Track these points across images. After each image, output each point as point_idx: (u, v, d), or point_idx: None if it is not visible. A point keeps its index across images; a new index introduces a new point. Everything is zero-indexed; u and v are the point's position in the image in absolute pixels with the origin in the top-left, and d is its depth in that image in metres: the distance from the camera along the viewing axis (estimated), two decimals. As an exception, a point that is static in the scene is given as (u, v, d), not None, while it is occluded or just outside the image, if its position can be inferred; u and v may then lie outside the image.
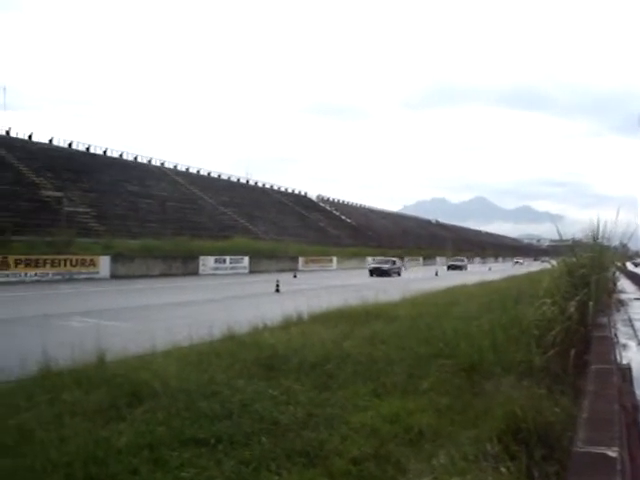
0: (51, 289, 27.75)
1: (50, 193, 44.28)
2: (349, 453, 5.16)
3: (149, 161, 74.65)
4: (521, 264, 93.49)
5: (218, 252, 47.96)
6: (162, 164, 76.20)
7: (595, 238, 9.33)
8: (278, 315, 13.14)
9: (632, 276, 18.69)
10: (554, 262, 11.00)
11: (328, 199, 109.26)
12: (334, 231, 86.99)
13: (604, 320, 7.50)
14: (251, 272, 49.85)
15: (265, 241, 59.62)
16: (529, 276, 27.91)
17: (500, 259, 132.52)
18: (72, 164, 57.38)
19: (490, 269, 67.66)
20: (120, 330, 13.18)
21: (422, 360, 8.58)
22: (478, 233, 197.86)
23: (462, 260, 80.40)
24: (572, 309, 7.33)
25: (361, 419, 6.08)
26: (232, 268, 48.85)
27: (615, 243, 10.51)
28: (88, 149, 67.13)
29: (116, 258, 38.51)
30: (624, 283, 11.04)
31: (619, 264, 10.37)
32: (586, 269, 8.33)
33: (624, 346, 6.37)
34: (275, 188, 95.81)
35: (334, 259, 65.55)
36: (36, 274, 33.08)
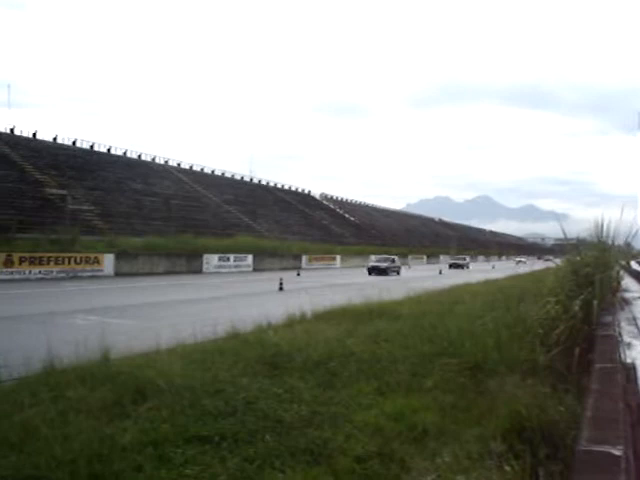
0: (55, 287, 27.80)
1: (54, 191, 44.32)
2: (353, 451, 5.17)
3: (153, 159, 74.72)
4: (524, 263, 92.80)
5: (222, 250, 48.01)
6: (166, 162, 76.27)
7: (599, 237, 9.31)
8: (282, 313, 13.16)
9: (636, 275, 18.65)
10: (558, 261, 10.99)
11: (332, 197, 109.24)
12: (338, 229, 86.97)
13: (608, 319, 7.47)
14: (255, 270, 49.89)
15: (269, 239, 59.62)
16: (533, 275, 27.89)
17: (504, 258, 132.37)
18: (76, 162, 57.51)
19: (494, 267, 67.65)
20: (124, 328, 13.20)
21: (426, 359, 8.59)
22: (482, 232, 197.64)
23: (464, 259, 79.69)
24: (576, 308, 7.32)
25: (365, 417, 6.09)
26: (236, 266, 48.91)
27: (620, 242, 10.48)
28: (92, 147, 67.22)
29: (120, 256, 38.56)
30: (628, 282, 11.02)
31: (623, 263, 10.34)
32: (590, 268, 8.32)
33: (628, 345, 6.34)
34: (279, 186, 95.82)
35: (338, 257, 65.55)
36: (40, 272, 33.14)
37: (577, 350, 6.51)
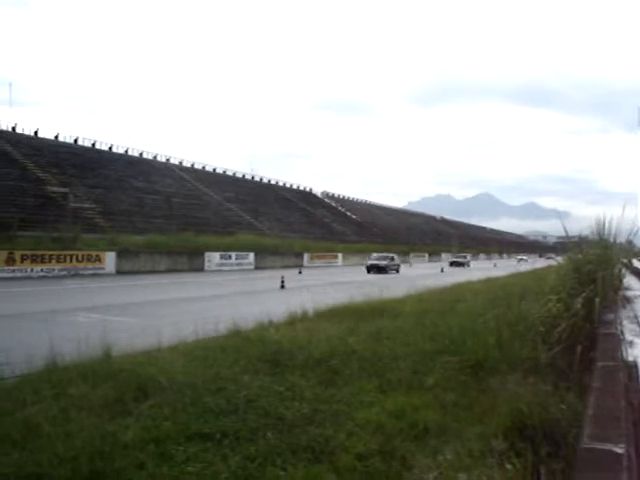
0: (57, 284, 27.83)
1: (56, 189, 44.35)
2: (355, 449, 5.18)
3: (154, 157, 74.75)
4: (525, 261, 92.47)
5: (223, 248, 48.05)
6: (167, 160, 76.29)
7: (601, 235, 9.30)
8: (283, 311, 13.17)
9: (638, 273, 18.60)
10: (559, 259, 10.96)
11: (333, 195, 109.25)
12: (339, 227, 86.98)
13: (610, 317, 7.46)
14: (256, 268, 49.92)
15: (270, 237, 59.64)
16: (534, 273, 27.89)
17: (505, 256, 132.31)
18: (78, 160, 57.53)
19: (495, 265, 67.59)
20: (126, 325, 13.21)
21: (427, 356, 8.60)
22: (483, 229, 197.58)
23: (464, 257, 79.25)
24: (578, 305, 7.31)
25: (366, 415, 6.09)
26: (237, 264, 48.93)
27: (621, 240, 10.47)
28: (94, 145, 67.27)
29: (122, 254, 38.60)
30: (630, 280, 11.01)
31: (625, 261, 10.33)
32: (593, 265, 8.31)
33: (630, 343, 6.33)
34: (280, 184, 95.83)
35: (339, 255, 65.57)
36: (42, 270, 33.17)
37: (579, 348, 6.50)
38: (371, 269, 47.55)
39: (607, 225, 9.30)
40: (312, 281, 32.84)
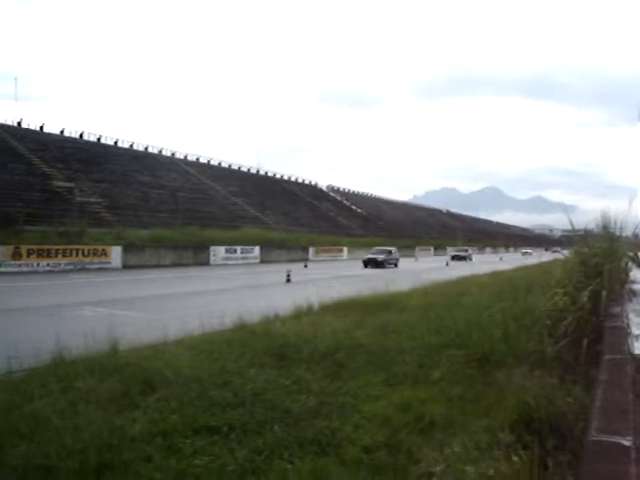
0: (63, 279, 27.92)
1: (61, 183, 44.50)
2: (361, 441, 5.19)
3: (160, 151, 74.86)
4: (530, 254, 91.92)
5: (229, 242, 48.10)
6: (173, 154, 76.39)
7: (608, 228, 9.27)
8: (289, 305, 13.18)
9: (645, 266, 18.49)
10: (565, 252, 10.93)
11: (339, 189, 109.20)
12: (345, 221, 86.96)
13: (617, 310, 7.45)
14: (262, 262, 49.97)
15: (276, 231, 59.68)
16: (540, 266, 27.82)
17: (511, 249, 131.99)
18: (83, 155, 57.66)
19: (501, 259, 67.40)
20: (132, 319, 13.25)
21: (433, 350, 8.59)
22: (489, 223, 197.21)
23: (466, 250, 77.56)
24: (585, 299, 7.29)
25: (373, 408, 6.10)
26: (243, 258, 48.98)
27: (628, 233, 10.43)
28: (99, 139, 67.44)
29: (127, 248, 38.69)
30: (636, 273, 10.95)
31: (631, 254, 10.28)
32: (599, 259, 8.28)
33: (637, 337, 6.32)
34: (286, 178, 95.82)
35: (345, 249, 65.57)
36: (48, 264, 33.29)
37: (585, 341, 6.49)
38: (368, 263, 46.34)
39: (613, 218, 9.28)
40: (318, 275, 32.86)
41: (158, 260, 40.88)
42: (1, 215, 35.22)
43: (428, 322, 10.75)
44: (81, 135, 65.52)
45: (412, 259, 66.46)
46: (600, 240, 9.10)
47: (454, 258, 67.83)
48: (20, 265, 31.80)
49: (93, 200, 45.68)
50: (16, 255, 31.83)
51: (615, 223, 9.27)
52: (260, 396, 6.39)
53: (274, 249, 53.76)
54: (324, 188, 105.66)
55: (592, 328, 6.95)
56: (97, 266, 35.60)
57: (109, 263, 36.83)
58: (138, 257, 39.44)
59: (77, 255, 35.07)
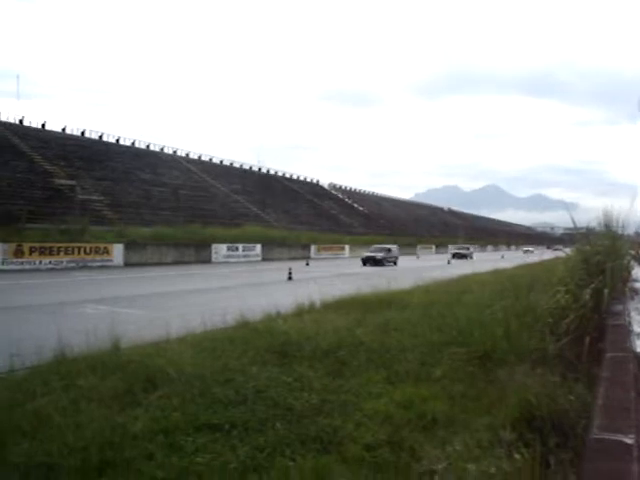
0: (65, 277, 27.95)
1: (63, 181, 44.50)
2: (363, 439, 5.18)
3: (161, 149, 74.88)
4: (531, 252, 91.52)
5: (230, 240, 48.15)
6: (174, 152, 76.40)
7: (609, 226, 9.26)
8: (291, 303, 13.18)
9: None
10: (567, 250, 10.92)
11: (340, 187, 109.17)
12: (346, 219, 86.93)
13: (619, 308, 7.44)
14: (263, 260, 50.01)
15: (277, 229, 59.70)
16: (542, 264, 27.81)
17: (513, 247, 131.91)
18: (85, 152, 57.68)
19: (503, 257, 67.33)
20: (134, 317, 13.27)
21: (435, 348, 8.60)
22: (491, 221, 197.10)
23: (467, 248, 75.89)
24: (587, 297, 7.28)
25: (375, 406, 6.10)
26: (245, 256, 49.02)
27: (630, 231, 10.42)
28: (101, 137, 67.46)
29: (129, 246, 38.75)
30: (638, 272, 10.94)
31: (634, 252, 10.26)
32: (601, 257, 8.27)
33: (639, 335, 6.31)
34: (287, 176, 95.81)
35: (346, 247, 65.59)
36: (50, 262, 33.34)
37: (587, 339, 6.48)
38: (367, 261, 45.89)
39: (615, 216, 9.26)
40: (319, 273, 32.87)
41: (160, 258, 40.93)
42: (3, 213, 35.27)
43: (430, 320, 10.76)
44: (83, 133, 65.56)
45: (414, 257, 66.47)
46: (602, 238, 9.08)
47: (455, 256, 66.21)
48: (22, 263, 31.85)
49: (95, 198, 45.69)
50: (18, 253, 31.87)
51: (617, 221, 9.26)
52: (262, 394, 6.39)
53: (275, 247, 53.81)
54: (326, 186, 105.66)
55: (594, 326, 6.94)
56: (99, 264, 35.65)
57: (111, 261, 36.88)
58: (140, 255, 39.49)
59: (79, 253, 35.11)
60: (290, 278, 27.13)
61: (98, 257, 36.21)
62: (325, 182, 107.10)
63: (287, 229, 61.00)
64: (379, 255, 47.15)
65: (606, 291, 7.33)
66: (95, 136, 66.88)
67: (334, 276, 30.11)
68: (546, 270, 16.19)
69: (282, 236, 56.62)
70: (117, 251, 37.55)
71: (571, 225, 10.66)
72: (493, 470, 4.07)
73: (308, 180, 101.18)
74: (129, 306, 15.88)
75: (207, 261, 44.47)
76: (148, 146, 73.33)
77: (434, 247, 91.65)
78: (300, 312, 12.31)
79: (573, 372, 6.12)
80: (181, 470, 4.58)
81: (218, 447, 5.01)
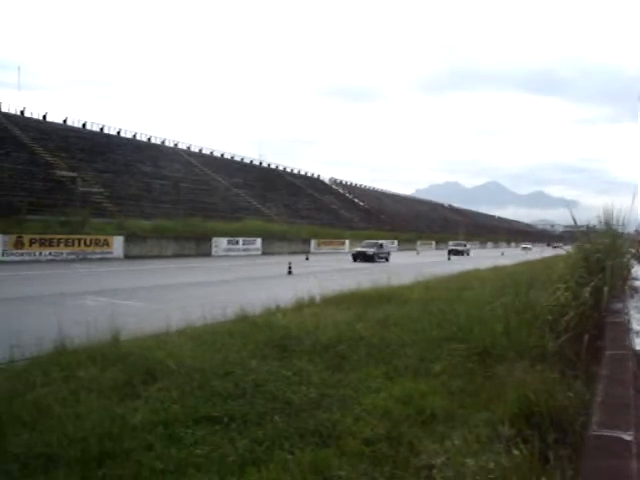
0: (65, 268, 27.96)
1: (64, 173, 44.47)
2: (362, 434, 5.20)
3: (163, 142, 74.79)
4: (530, 249, 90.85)
5: (231, 234, 48.15)
6: (176, 145, 76.31)
7: (610, 224, 9.27)
8: (291, 297, 13.21)
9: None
10: (568, 247, 10.94)
11: (341, 182, 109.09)
12: (347, 214, 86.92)
13: (618, 306, 7.46)
14: (264, 254, 50.02)
15: (278, 223, 59.69)
16: (542, 261, 27.83)
17: (513, 244, 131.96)
18: (86, 144, 57.60)
19: (503, 254, 67.32)
20: (134, 309, 13.30)
21: (435, 343, 8.62)
22: (491, 218, 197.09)
23: (464, 244, 73.23)
24: (586, 294, 7.29)
25: (374, 400, 6.11)
26: (245, 250, 49.03)
27: (630, 229, 10.43)
28: (102, 129, 67.36)
29: (129, 238, 38.75)
30: (638, 270, 10.96)
31: (633, 251, 10.27)
32: (601, 255, 8.28)
33: (638, 333, 6.32)
34: (288, 170, 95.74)
35: (347, 242, 65.60)
36: (50, 253, 33.33)
37: (586, 337, 6.49)
38: (357, 257, 44.11)
39: (616, 215, 9.27)
40: (319, 267, 32.87)
41: (160, 251, 40.94)
42: (4, 204, 35.26)
43: (430, 316, 10.78)
44: (84, 125, 65.46)
45: (414, 253, 66.48)
46: (602, 236, 9.09)
47: (451, 252, 62.69)
48: (22, 254, 31.84)
49: (95, 190, 45.66)
50: (18, 244, 31.86)
51: (618, 219, 9.27)
52: (261, 387, 6.41)
53: (276, 241, 53.82)
54: (326, 181, 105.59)
55: (594, 324, 6.96)
56: (99, 256, 35.65)
57: (111, 253, 36.88)
58: (140, 247, 39.50)
59: (79, 245, 35.11)
60: (290, 272, 27.15)
61: (98, 249, 36.22)
62: (326, 177, 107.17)
63: (287, 223, 60.97)
64: (370, 251, 45.10)
65: (606, 289, 7.34)
66: (96, 128, 66.79)
67: (334, 271, 30.12)
68: (546, 267, 16.21)
69: (282, 230, 56.62)
70: (117, 243, 37.55)
71: (571, 223, 10.67)
72: (492, 465, 4.08)
73: (309, 174, 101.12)
74: (129, 298, 15.89)
75: (207, 254, 44.48)
76: (149, 139, 73.26)
77: (434, 243, 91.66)
78: (300, 306, 12.34)
79: (572, 369, 6.13)
80: (180, 462, 4.60)
81: (217, 439, 5.02)
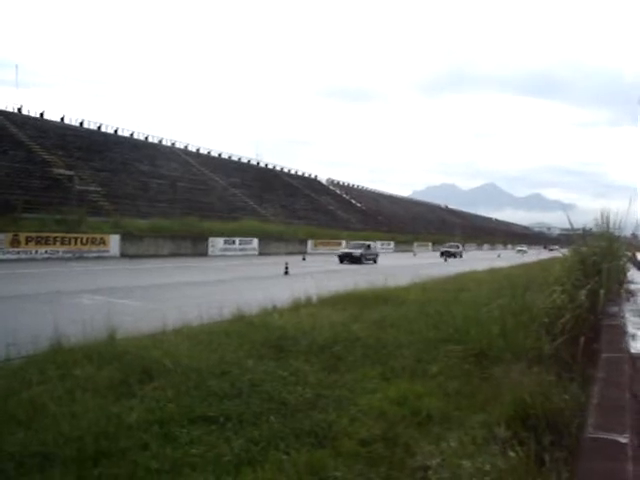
0: (61, 267, 27.94)
1: (61, 171, 44.42)
2: (358, 434, 5.19)
3: (160, 141, 74.74)
4: (525, 252, 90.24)
5: (227, 233, 48.16)
6: (173, 144, 76.26)
7: (606, 227, 9.29)
8: (287, 297, 13.19)
9: (642, 266, 18.58)
10: (564, 250, 10.97)
11: (338, 183, 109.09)
12: (344, 215, 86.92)
13: (614, 309, 7.48)
14: (260, 254, 50.02)
15: (275, 223, 59.69)
16: (539, 264, 27.87)
17: (510, 246, 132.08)
18: (83, 143, 57.54)
19: (499, 256, 67.37)
20: (130, 308, 13.27)
21: (431, 345, 8.62)
22: (488, 220, 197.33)
23: (457, 246, 70.41)
24: (583, 297, 7.30)
25: (369, 401, 6.11)
26: (241, 250, 49.03)
27: (626, 233, 10.45)
28: (99, 128, 67.29)
29: (126, 237, 38.75)
30: (634, 273, 11.00)
31: (629, 254, 10.30)
32: (597, 257, 8.29)
33: (633, 336, 6.34)
34: (285, 170, 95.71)
35: (343, 243, 65.59)
36: (46, 252, 33.31)
37: (582, 339, 6.50)
38: (344, 258, 42.50)
39: (612, 218, 9.29)
40: (316, 268, 32.87)
41: (156, 250, 40.93)
42: (0, 202, 35.17)
43: (426, 317, 10.79)
44: (81, 123, 65.39)
45: (410, 254, 66.54)
46: (599, 239, 9.11)
47: (443, 254, 60.81)
48: (18, 252, 31.81)
49: (92, 189, 45.60)
50: (14, 242, 31.83)
51: (614, 223, 9.29)
52: (257, 387, 6.40)
53: (272, 241, 53.82)
54: (324, 181, 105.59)
55: (590, 326, 6.97)
56: (95, 254, 35.63)
57: (107, 252, 36.86)
58: (136, 246, 39.48)
59: (75, 243, 35.09)
60: (287, 272, 27.14)
61: (94, 248, 36.20)
62: (323, 177, 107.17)
63: (284, 224, 60.98)
64: (357, 252, 43.48)
65: (602, 292, 7.36)
66: (94, 126, 66.73)
67: (331, 271, 30.14)
68: (542, 270, 16.23)
69: (279, 231, 56.63)
70: (113, 242, 37.54)
71: (568, 226, 10.69)
72: (487, 467, 4.09)
73: (306, 175, 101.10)
74: (125, 297, 15.87)
75: (204, 254, 44.47)
76: (147, 138, 73.21)
77: (431, 245, 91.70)
78: (296, 307, 12.32)
79: (568, 372, 6.14)
80: (175, 461, 4.59)
81: (212, 439, 5.02)
